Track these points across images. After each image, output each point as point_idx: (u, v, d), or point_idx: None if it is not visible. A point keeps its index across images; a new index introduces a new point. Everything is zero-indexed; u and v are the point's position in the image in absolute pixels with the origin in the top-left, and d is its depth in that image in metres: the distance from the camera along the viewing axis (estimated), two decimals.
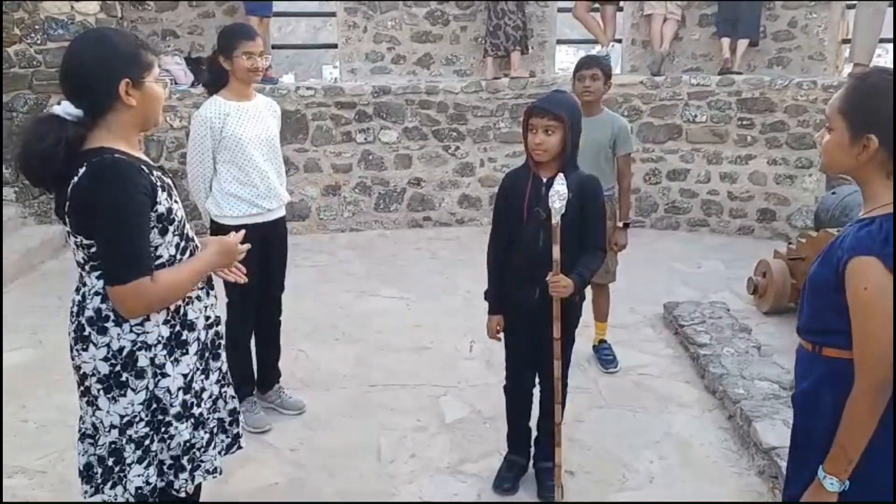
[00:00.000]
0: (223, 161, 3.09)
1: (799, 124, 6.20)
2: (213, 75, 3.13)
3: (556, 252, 2.42)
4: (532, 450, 2.95)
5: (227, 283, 3.25)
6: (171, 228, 1.82)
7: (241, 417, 2.20)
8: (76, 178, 1.70)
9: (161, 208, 1.78)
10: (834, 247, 1.62)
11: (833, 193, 4.61)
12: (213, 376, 2.05)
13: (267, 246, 3.25)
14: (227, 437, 2.13)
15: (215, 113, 3.03)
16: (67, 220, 1.75)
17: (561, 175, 2.43)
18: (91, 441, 1.89)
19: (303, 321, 4.51)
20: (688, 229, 6.76)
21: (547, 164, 2.59)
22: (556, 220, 2.38)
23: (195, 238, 1.97)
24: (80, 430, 1.93)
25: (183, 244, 1.88)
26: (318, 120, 6.52)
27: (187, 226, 1.92)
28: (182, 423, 1.90)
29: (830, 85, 6.02)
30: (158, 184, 1.79)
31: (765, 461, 2.94)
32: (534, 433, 2.95)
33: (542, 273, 2.54)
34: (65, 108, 1.73)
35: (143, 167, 1.78)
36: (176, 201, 1.86)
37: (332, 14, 7.28)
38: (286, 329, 3.69)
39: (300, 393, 3.64)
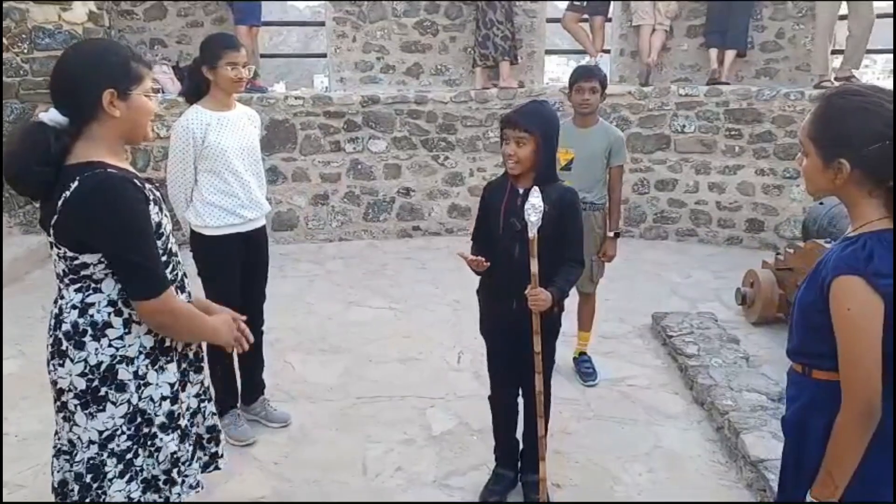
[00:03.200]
0: (204, 171, 3.07)
1: (786, 134, 6.22)
2: (193, 85, 3.12)
3: (534, 266, 2.40)
4: (519, 463, 2.93)
5: (206, 292, 3.23)
6: (159, 243, 1.81)
7: (222, 436, 2.14)
8: (68, 193, 1.68)
9: (151, 222, 1.77)
10: (819, 267, 1.59)
11: (821, 204, 4.62)
12: (193, 389, 2.02)
13: (247, 255, 3.23)
14: (205, 454, 2.09)
15: (197, 122, 3.01)
16: (53, 231, 1.73)
17: (536, 188, 2.41)
18: (67, 457, 1.85)
19: (290, 332, 4.48)
20: (676, 239, 6.76)
21: (524, 176, 2.59)
22: (532, 233, 2.37)
23: (178, 254, 1.95)
24: (55, 447, 1.90)
25: (166, 258, 1.86)
26: (307, 129, 6.50)
27: (171, 240, 1.91)
28: (168, 434, 1.87)
29: (818, 96, 6.04)
30: (151, 197, 1.79)
31: (753, 474, 2.93)
32: (521, 446, 2.92)
33: (518, 285, 2.52)
34: (51, 116, 1.73)
35: (135, 180, 1.77)
36: (165, 215, 1.86)
37: (322, 23, 7.27)
38: (273, 340, 3.65)
39: (286, 405, 3.61)
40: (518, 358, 2.67)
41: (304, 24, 13.01)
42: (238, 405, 3.41)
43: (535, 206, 2.33)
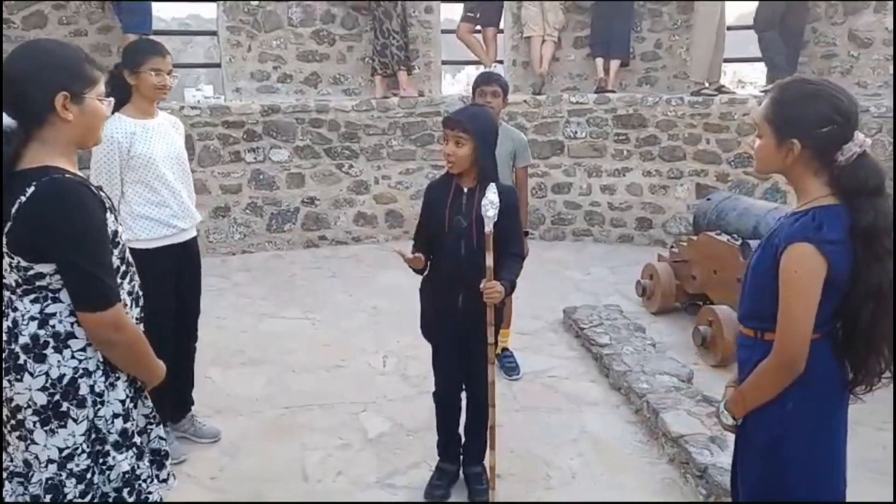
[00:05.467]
0: (132, 182, 2.96)
1: (669, 138, 6.69)
2: (114, 91, 2.99)
3: (489, 259, 2.50)
4: (462, 456, 3.01)
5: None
6: (116, 252, 1.76)
7: (167, 462, 2.04)
8: (23, 199, 1.61)
9: (108, 230, 1.72)
10: (772, 238, 1.79)
11: (708, 199, 5.01)
12: (143, 409, 1.97)
13: (181, 268, 3.15)
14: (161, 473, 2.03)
15: (122, 132, 2.89)
16: (6, 239, 1.64)
17: (493, 185, 2.52)
18: (21, 480, 1.76)
19: (204, 347, 4.27)
20: (573, 239, 7.08)
21: (467, 175, 2.68)
22: (488, 228, 2.47)
23: (134, 264, 1.90)
24: (5, 469, 1.79)
25: (123, 268, 1.81)
26: (205, 140, 6.33)
27: (126, 250, 1.85)
28: (121, 452, 1.81)
29: (696, 101, 6.54)
30: (107, 204, 1.73)
31: (674, 449, 3.15)
32: (463, 439, 3.01)
33: (464, 281, 2.62)
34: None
35: (91, 187, 1.71)
36: (120, 224, 1.81)
37: (214, 33, 7.10)
38: None
39: (213, 420, 3.53)
40: (463, 353, 2.76)
41: (196, 33, 12.59)
42: (166, 423, 3.29)
43: (492, 201, 2.43)
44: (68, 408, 1.72)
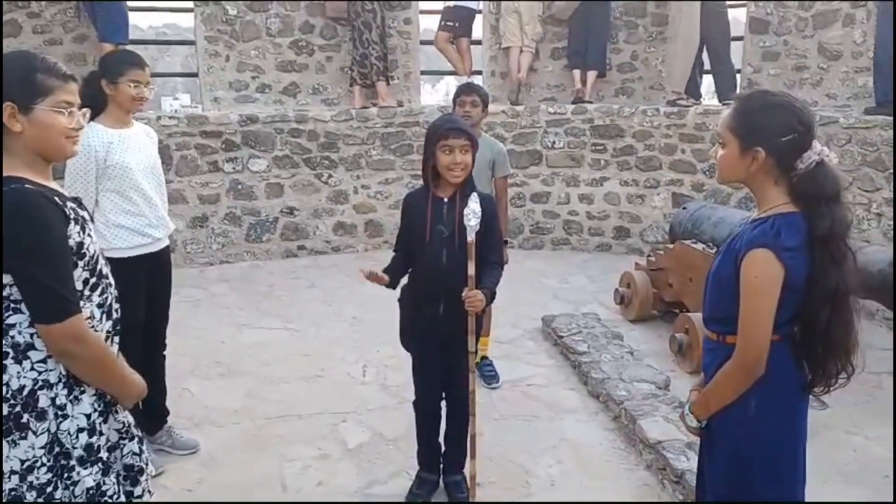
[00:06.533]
0: (107, 191, 2.96)
1: (646, 148, 6.77)
2: (88, 99, 2.97)
3: (472, 268, 2.52)
4: (442, 465, 3.02)
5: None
6: (81, 263, 1.75)
7: (141, 478, 2.01)
8: None
9: (72, 241, 1.71)
10: (733, 243, 1.84)
11: (684, 209, 5.08)
12: (114, 423, 1.95)
13: (152, 277, 3.14)
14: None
15: (98, 141, 2.89)
16: None
17: (475, 194, 2.56)
18: None
19: (183, 358, 4.32)
20: (551, 248, 7.14)
21: (446, 184, 2.71)
22: (471, 237, 2.49)
23: (110, 276, 1.89)
24: None
25: (94, 280, 1.80)
26: (183, 150, 6.31)
27: (101, 262, 1.84)
28: (86, 467, 1.79)
29: (672, 112, 6.64)
30: (72, 216, 1.72)
31: (652, 455, 3.19)
32: (443, 448, 3.01)
33: (445, 289, 2.64)
34: None
35: (57, 198, 1.71)
36: (89, 235, 1.79)
37: (192, 42, 7.08)
38: (166, 367, 3.54)
39: (191, 432, 3.50)
40: (444, 361, 2.77)
41: (173, 42, 12.52)
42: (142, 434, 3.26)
43: (475, 211, 2.46)
44: (28, 420, 1.71)
